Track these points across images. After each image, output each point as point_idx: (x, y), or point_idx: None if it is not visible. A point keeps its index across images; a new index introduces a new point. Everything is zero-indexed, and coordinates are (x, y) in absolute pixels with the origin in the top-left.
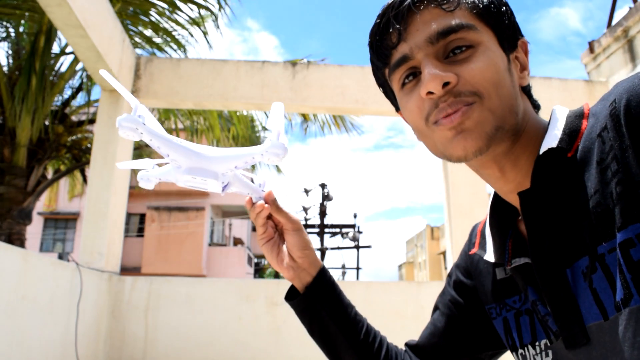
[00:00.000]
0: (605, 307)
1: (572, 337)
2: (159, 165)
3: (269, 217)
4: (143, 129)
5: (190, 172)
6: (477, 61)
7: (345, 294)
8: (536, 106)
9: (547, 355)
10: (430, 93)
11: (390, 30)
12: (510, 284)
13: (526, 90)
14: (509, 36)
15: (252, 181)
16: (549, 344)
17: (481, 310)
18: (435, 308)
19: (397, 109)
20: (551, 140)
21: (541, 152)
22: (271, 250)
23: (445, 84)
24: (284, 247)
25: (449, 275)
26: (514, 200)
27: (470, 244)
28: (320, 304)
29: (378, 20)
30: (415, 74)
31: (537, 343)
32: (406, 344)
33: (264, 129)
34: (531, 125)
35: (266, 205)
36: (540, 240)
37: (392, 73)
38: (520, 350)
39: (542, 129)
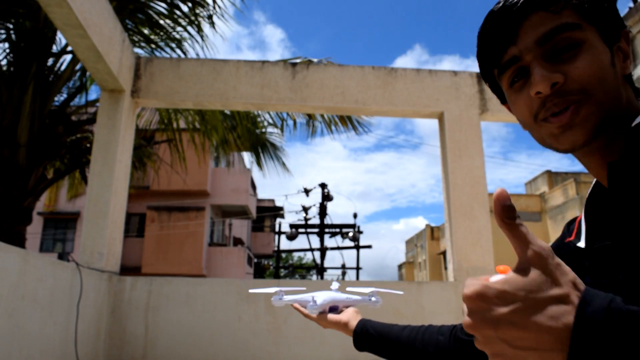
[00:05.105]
0: None
1: None
2: (285, 292)
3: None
4: (287, 301)
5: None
6: (583, 59)
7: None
8: (638, 92)
9: None
10: (538, 93)
11: (500, 34)
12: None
13: (628, 78)
14: (613, 29)
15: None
16: None
17: None
18: None
19: (503, 102)
20: None
21: (633, 125)
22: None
23: (554, 85)
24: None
25: None
26: None
27: (568, 232)
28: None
29: (487, 25)
30: (523, 73)
31: None
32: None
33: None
34: (631, 110)
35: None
36: (624, 217)
37: (502, 73)
38: None
39: None
